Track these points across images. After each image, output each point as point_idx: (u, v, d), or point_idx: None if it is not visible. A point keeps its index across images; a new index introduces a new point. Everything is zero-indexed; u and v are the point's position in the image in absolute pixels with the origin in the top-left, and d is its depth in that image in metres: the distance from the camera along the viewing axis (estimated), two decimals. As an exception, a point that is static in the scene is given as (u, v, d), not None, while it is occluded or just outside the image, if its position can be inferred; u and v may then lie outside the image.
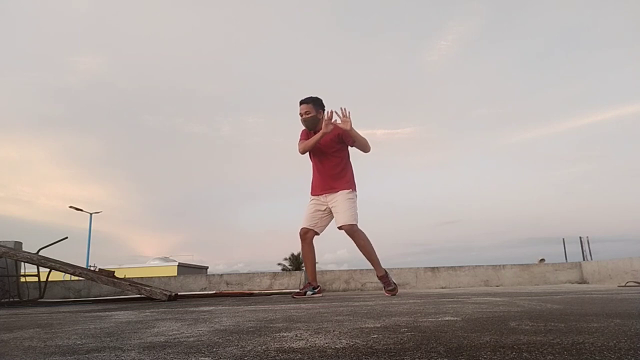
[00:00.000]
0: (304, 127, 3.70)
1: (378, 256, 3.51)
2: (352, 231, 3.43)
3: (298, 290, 3.68)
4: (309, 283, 3.60)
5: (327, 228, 3.68)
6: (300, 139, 3.70)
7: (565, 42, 57.34)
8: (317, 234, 3.63)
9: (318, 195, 3.64)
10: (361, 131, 3.53)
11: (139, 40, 58.49)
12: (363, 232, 3.47)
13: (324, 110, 3.64)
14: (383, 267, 3.52)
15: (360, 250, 3.50)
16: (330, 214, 3.62)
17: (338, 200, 3.51)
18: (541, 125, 62.96)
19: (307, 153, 3.68)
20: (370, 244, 3.48)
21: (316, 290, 3.55)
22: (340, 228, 3.48)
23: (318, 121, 3.59)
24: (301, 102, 3.63)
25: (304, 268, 4.03)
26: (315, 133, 3.57)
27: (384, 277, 3.46)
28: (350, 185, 3.58)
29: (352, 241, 3.49)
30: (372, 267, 3.55)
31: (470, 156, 67.12)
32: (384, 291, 3.47)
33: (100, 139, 57.12)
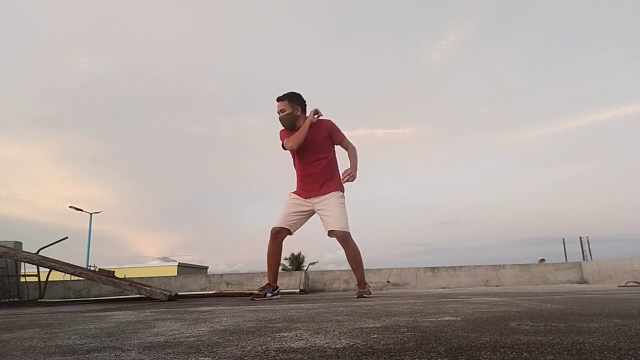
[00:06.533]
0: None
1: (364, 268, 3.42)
2: (345, 239, 3.29)
3: (257, 291, 3.43)
4: (269, 284, 3.38)
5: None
6: (283, 138, 3.42)
7: (565, 42, 57.35)
8: (290, 234, 3.43)
9: (303, 197, 3.42)
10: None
11: (139, 40, 58.51)
12: (354, 243, 3.35)
13: (302, 106, 3.43)
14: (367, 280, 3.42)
15: (349, 260, 3.38)
16: (309, 217, 3.46)
17: (329, 203, 3.34)
18: (541, 125, 62.99)
19: (290, 152, 3.45)
20: (360, 256, 3.37)
21: (275, 292, 3.36)
22: (331, 233, 3.31)
23: (296, 119, 3.37)
24: (277, 99, 3.39)
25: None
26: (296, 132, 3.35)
27: (363, 283, 3.38)
28: (341, 186, 3.44)
29: (343, 249, 3.34)
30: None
31: (470, 156, 67.12)
32: (356, 291, 3.39)
33: (101, 139, 57.15)
